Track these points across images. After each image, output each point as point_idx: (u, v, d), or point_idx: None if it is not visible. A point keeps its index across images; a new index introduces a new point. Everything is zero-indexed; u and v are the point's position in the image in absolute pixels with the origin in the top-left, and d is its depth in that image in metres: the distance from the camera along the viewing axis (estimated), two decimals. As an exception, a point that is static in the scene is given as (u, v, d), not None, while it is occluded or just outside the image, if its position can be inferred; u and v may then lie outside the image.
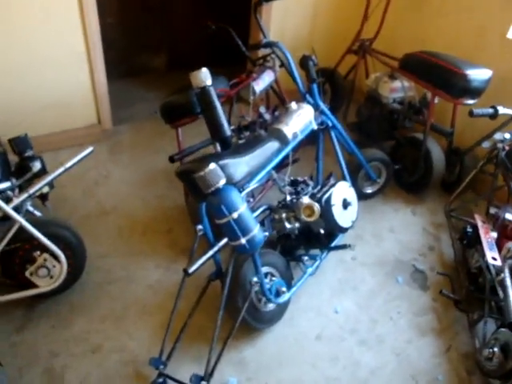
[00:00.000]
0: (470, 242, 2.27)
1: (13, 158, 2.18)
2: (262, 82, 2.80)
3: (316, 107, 2.34)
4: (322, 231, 2.05)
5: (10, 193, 2.00)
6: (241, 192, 1.80)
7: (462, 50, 2.87)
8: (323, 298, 2.24)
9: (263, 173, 1.96)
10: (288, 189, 2.19)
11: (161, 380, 1.78)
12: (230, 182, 1.74)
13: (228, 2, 4.15)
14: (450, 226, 2.59)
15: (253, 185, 1.90)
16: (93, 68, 2.90)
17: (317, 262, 2.21)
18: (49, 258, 1.95)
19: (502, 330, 1.83)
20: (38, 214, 2.16)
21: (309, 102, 2.35)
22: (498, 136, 2.40)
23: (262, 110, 2.70)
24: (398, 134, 3.03)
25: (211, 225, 1.89)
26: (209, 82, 2.11)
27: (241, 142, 2.60)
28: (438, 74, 2.48)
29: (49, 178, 1.99)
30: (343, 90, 3.43)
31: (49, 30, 2.70)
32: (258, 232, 1.67)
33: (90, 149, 2.13)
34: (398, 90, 2.91)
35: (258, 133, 2.57)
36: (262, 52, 3.00)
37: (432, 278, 2.37)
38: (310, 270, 2.14)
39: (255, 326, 1.98)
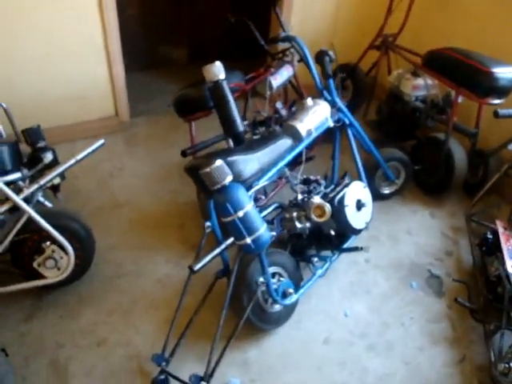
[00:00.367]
0: (489, 248, 2.17)
1: (26, 149, 2.20)
2: (279, 77, 2.74)
3: (333, 104, 2.27)
4: (333, 232, 1.99)
5: (21, 183, 2.02)
6: (249, 190, 1.76)
7: (490, 47, 2.74)
8: (333, 301, 2.19)
9: (274, 170, 1.91)
10: (300, 187, 2.14)
11: (162, 377, 1.77)
12: (239, 179, 1.71)
13: (250, -5, 4.10)
14: (469, 230, 2.49)
15: (263, 182, 1.86)
16: (111, 60, 2.90)
17: (327, 264, 2.15)
18: (57, 249, 1.96)
19: (520, 343, 1.74)
20: (48, 205, 2.17)
21: (326, 99, 2.29)
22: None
23: (279, 105, 2.65)
24: (419, 133, 2.93)
25: (219, 222, 1.86)
26: (222, 76, 2.07)
27: (255, 137, 2.56)
28: (463, 72, 2.37)
29: (59, 170, 1.99)
30: (365, 86, 3.34)
31: (67, 21, 2.71)
32: (264, 232, 1.63)
33: (102, 141, 2.11)
34: (420, 87, 2.80)
35: (273, 129, 2.52)
36: (281, 46, 2.95)
37: (448, 284, 2.28)
38: (319, 272, 2.08)
39: (261, 326, 1.94)
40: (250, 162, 1.77)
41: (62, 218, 2.01)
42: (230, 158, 1.70)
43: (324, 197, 2.12)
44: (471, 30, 2.93)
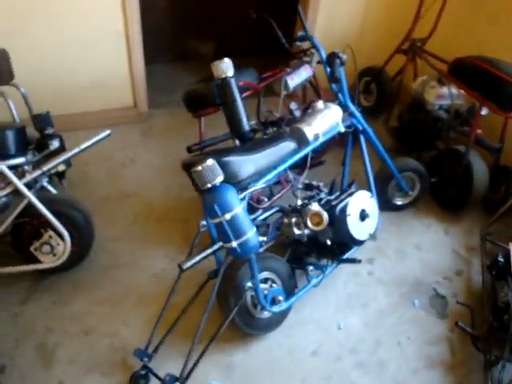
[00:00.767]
0: (499, 272, 2.04)
1: (35, 134, 2.24)
2: (297, 77, 2.67)
3: (345, 108, 2.19)
4: (329, 242, 1.92)
5: (26, 168, 2.06)
6: (243, 191, 1.72)
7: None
8: (328, 312, 2.12)
9: (273, 173, 1.86)
10: (301, 192, 2.08)
11: (143, 372, 1.76)
12: (233, 180, 1.67)
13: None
14: (483, 250, 2.35)
15: (260, 185, 1.81)
16: (131, 51, 2.92)
17: (326, 273, 2.07)
18: (54, 235, 1.99)
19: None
20: (53, 191, 2.21)
21: (341, 103, 2.21)
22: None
23: (293, 106, 2.58)
24: (440, 144, 2.79)
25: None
26: (230, 73, 2.03)
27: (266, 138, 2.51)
28: (488, 83, 2.23)
29: (63, 158, 2.01)
30: (389, 91, 3.21)
31: (89, 10, 2.74)
32: (252, 237, 1.59)
33: (108, 132, 2.12)
34: (445, 96, 2.67)
35: (283, 130, 2.46)
36: (304, 46, 2.88)
37: (453, 306, 2.16)
38: (314, 281, 2.02)
39: (247, 331, 1.90)
40: (246, 164, 1.72)
41: (62, 205, 2.04)
42: (224, 158, 1.65)
43: (326, 204, 2.06)
44: (507, 38, 2.77)
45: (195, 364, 1.67)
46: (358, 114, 2.21)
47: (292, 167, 2.31)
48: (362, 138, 2.27)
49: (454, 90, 2.63)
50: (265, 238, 1.74)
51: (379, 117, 3.30)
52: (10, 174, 1.90)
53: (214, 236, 1.92)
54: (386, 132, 3.06)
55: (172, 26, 4.17)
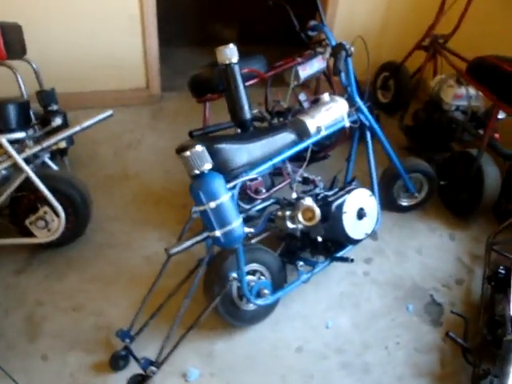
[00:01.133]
0: (498, 284, 1.95)
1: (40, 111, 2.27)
2: (309, 68, 2.61)
3: (352, 103, 2.12)
4: (320, 239, 1.87)
5: (29, 143, 2.08)
6: (232, 181, 1.68)
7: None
8: (317, 309, 2.07)
9: (268, 164, 1.82)
10: (298, 186, 2.03)
11: (123, 353, 1.77)
12: (223, 168, 1.64)
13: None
14: (487, 260, 2.25)
15: (252, 175, 1.77)
16: (145, 33, 2.91)
17: (315, 270, 2.02)
18: (49, 211, 2.01)
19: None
20: (54, 167, 2.23)
21: (349, 96, 2.14)
22: None
23: (302, 97, 2.53)
24: (454, 146, 2.69)
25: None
26: (234, 59, 2.00)
27: (272, 128, 2.46)
28: (504, 83, 2.11)
29: (63, 135, 2.02)
30: (408, 88, 3.11)
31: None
32: (237, 227, 1.56)
33: (110, 112, 2.12)
34: (462, 97, 2.56)
35: (288, 121, 2.41)
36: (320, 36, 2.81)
37: (448, 315, 2.08)
38: (303, 277, 1.98)
39: (231, 322, 1.88)
40: (239, 152, 1.69)
41: (59, 182, 2.06)
42: (217, 145, 1.63)
43: (323, 200, 2.01)
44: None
45: (172, 349, 1.66)
46: (365, 110, 2.14)
47: (294, 159, 2.26)
48: (369, 135, 2.20)
49: (472, 91, 2.52)
50: (252, 230, 1.72)
51: (395, 114, 3.20)
52: (10, 148, 1.92)
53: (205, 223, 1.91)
54: (400, 130, 2.97)
55: (194, 10, 4.15)
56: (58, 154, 2.31)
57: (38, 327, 1.90)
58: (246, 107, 2.05)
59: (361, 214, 2.01)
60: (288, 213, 1.91)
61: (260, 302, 1.83)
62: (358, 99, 2.12)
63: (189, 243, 1.73)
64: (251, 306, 1.90)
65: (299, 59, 2.51)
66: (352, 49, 1.94)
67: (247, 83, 2.28)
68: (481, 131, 2.50)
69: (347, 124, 2.07)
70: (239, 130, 2.16)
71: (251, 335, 1.95)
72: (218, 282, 1.79)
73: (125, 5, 2.79)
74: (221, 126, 2.28)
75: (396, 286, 2.21)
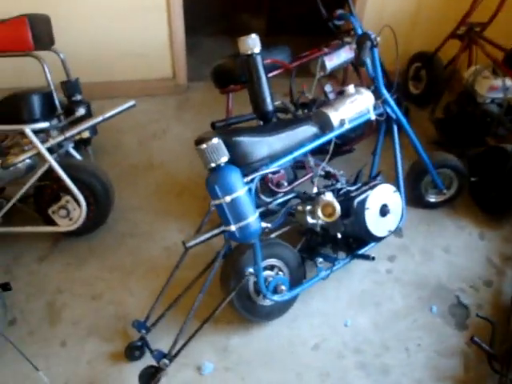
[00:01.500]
0: (530, 288, 1.85)
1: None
2: (336, 58, 2.51)
3: (379, 95, 2.04)
4: (340, 235, 1.81)
5: (53, 133, 2.11)
6: (251, 174, 1.64)
7: None
8: (337, 307, 2.03)
9: (288, 158, 1.77)
10: (319, 180, 1.97)
11: (139, 343, 1.79)
12: (242, 161, 1.61)
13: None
14: (519, 262, 2.15)
15: (271, 169, 1.73)
16: (171, 23, 2.90)
17: (334, 267, 1.97)
18: (71, 200, 2.04)
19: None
20: (77, 157, 2.26)
21: (375, 88, 2.06)
22: None
23: (328, 88, 2.44)
24: (488, 140, 2.55)
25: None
26: (257, 49, 1.95)
27: (296, 119, 2.40)
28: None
29: (86, 125, 2.04)
30: (440, 79, 2.97)
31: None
32: (253, 222, 1.54)
33: (132, 102, 2.12)
34: (498, 89, 2.42)
35: (311, 113, 2.34)
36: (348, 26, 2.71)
37: (475, 318, 1.98)
38: (322, 274, 1.93)
39: (247, 317, 1.86)
40: (258, 145, 1.65)
41: (81, 172, 2.08)
42: (235, 138, 1.60)
43: (345, 195, 1.95)
44: None
45: (185, 343, 1.66)
46: (391, 102, 2.06)
47: (318, 152, 2.21)
48: (395, 128, 2.12)
49: (509, 83, 2.38)
50: (269, 225, 1.68)
51: (427, 106, 3.08)
52: (34, 138, 1.95)
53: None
54: (430, 123, 2.85)
55: (223, -1, 4.11)
56: (81, 144, 2.33)
57: (57, 314, 1.94)
58: (268, 99, 2.00)
59: (384, 211, 1.94)
60: (308, 207, 1.87)
61: (277, 297, 1.80)
62: (384, 91, 2.03)
63: (206, 236, 1.71)
64: (268, 302, 1.87)
65: (326, 49, 2.43)
66: (378, 39, 1.85)
67: (270, 74, 2.24)
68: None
69: (373, 117, 1.99)
70: (262, 122, 2.12)
71: (268, 331, 1.93)
72: (234, 277, 1.77)
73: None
74: (244, 117, 2.24)
75: (420, 285, 2.13)
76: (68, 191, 2.02)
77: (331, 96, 2.48)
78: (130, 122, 2.92)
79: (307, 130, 1.81)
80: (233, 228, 1.52)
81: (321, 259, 1.93)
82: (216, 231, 1.72)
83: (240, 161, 1.60)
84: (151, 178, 2.60)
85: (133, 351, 1.78)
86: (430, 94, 3.04)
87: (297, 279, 1.92)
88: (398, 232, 2.32)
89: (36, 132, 1.99)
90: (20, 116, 1.95)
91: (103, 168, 2.26)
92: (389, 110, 2.07)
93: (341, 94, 2.51)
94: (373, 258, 1.93)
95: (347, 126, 1.92)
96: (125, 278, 2.09)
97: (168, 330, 1.87)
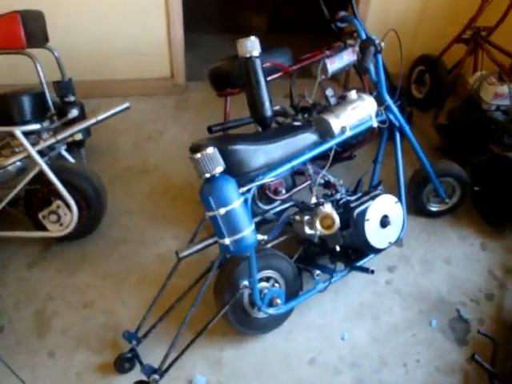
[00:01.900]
0: (533, 305, 1.80)
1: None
2: (338, 61, 2.44)
3: (381, 102, 1.98)
4: (339, 248, 1.76)
5: (45, 135, 2.04)
6: (246, 184, 1.58)
7: None
8: (334, 319, 1.97)
9: (287, 167, 1.71)
10: (318, 189, 1.91)
11: (129, 355, 1.73)
12: (239, 171, 1.55)
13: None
14: (522, 275, 2.09)
15: (268, 179, 1.67)
16: (170, 22, 2.83)
17: (332, 280, 1.90)
18: (62, 205, 1.98)
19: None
20: (70, 160, 2.20)
21: (378, 94, 2.00)
22: None
23: (329, 92, 2.36)
24: (492, 149, 2.49)
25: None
26: (256, 52, 1.88)
27: (296, 124, 2.34)
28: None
29: (77, 128, 1.98)
30: (444, 84, 2.90)
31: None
32: (248, 235, 1.47)
33: (127, 104, 2.05)
34: (504, 96, 2.35)
35: (314, 117, 2.28)
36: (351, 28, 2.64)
37: (476, 333, 1.94)
38: (320, 286, 1.87)
39: (242, 330, 1.80)
40: (255, 154, 1.59)
41: (73, 175, 2.02)
42: (231, 146, 1.54)
43: (345, 205, 1.89)
44: None
45: (176, 358, 1.60)
46: (394, 109, 2.00)
47: (318, 158, 2.15)
48: (398, 136, 2.06)
49: (516, 90, 2.32)
50: (265, 237, 1.62)
51: (430, 111, 3.01)
52: (24, 140, 1.89)
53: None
54: (433, 128, 2.79)
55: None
56: (74, 146, 2.27)
57: (47, 323, 1.89)
58: (267, 104, 1.93)
59: (385, 222, 1.88)
60: (306, 218, 1.81)
61: (272, 311, 1.74)
62: (387, 97, 1.97)
63: (199, 247, 1.66)
64: (263, 314, 1.81)
65: (327, 52, 2.36)
66: (382, 44, 1.79)
67: (270, 77, 2.17)
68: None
69: (375, 124, 1.93)
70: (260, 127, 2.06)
71: (263, 343, 1.87)
72: (228, 289, 1.71)
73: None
74: (241, 121, 2.17)
75: (420, 298, 2.07)
76: (59, 196, 1.96)
77: (332, 100, 2.41)
78: (126, 122, 2.86)
79: (307, 137, 1.75)
80: (227, 241, 1.45)
81: (318, 271, 1.87)
82: (210, 241, 1.67)
83: (236, 170, 1.54)
84: (146, 181, 2.54)
85: (123, 363, 1.73)
86: (433, 98, 2.98)
87: (293, 291, 1.86)
88: (398, 242, 2.26)
89: (27, 134, 1.93)
90: (10, 117, 1.89)
91: (97, 171, 2.20)
92: (391, 116, 2.01)
93: (343, 98, 2.46)
94: (372, 272, 1.87)
95: (348, 134, 1.87)
96: (117, 286, 2.04)
97: (160, 341, 1.82)
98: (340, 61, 2.45)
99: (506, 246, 2.33)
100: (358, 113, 1.90)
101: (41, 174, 1.94)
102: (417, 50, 3.09)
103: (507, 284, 2.15)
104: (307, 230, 1.79)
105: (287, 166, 1.71)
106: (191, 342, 1.63)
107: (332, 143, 1.85)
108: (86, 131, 2.26)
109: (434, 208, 2.39)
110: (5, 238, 2.12)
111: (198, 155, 1.42)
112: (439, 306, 2.05)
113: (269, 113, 1.97)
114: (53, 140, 1.95)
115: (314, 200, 1.83)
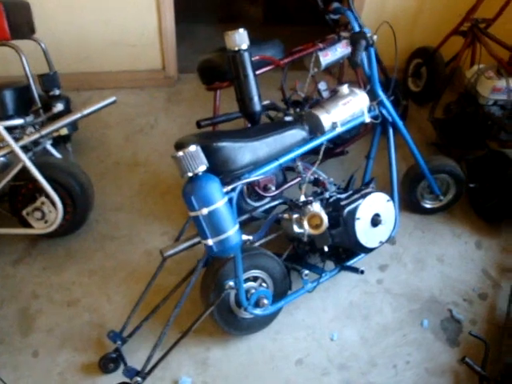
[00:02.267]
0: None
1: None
2: (331, 54, 2.38)
3: (374, 96, 1.93)
4: (326, 249, 1.71)
5: (29, 130, 2.00)
6: (232, 183, 1.54)
7: None
8: (323, 319, 1.93)
9: (274, 165, 1.67)
10: (307, 186, 1.87)
11: (114, 356, 1.70)
12: (223, 169, 1.51)
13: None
14: (516, 275, 2.05)
15: (255, 177, 1.62)
16: (161, 13, 2.76)
17: (321, 280, 1.86)
18: (46, 202, 1.94)
19: None
20: (56, 155, 2.15)
21: (372, 89, 1.95)
22: None
23: (322, 86, 2.32)
24: (489, 144, 2.43)
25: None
26: (244, 46, 1.83)
27: (287, 118, 2.28)
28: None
29: (62, 123, 1.92)
30: (441, 77, 2.83)
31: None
32: (232, 235, 1.43)
33: (113, 98, 2.00)
34: (502, 90, 2.30)
35: (306, 111, 2.22)
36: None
37: (468, 334, 1.91)
38: (308, 287, 1.83)
39: (227, 330, 1.76)
40: (241, 151, 1.54)
41: (58, 171, 1.97)
42: (216, 144, 1.49)
43: (334, 203, 1.84)
44: None
45: (160, 359, 1.57)
46: (388, 104, 1.94)
47: (309, 153, 2.09)
48: (391, 131, 2.01)
49: (514, 84, 2.26)
50: (250, 237, 1.58)
51: (426, 104, 2.95)
52: (6, 135, 1.84)
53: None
54: (429, 123, 2.73)
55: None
56: (61, 141, 2.22)
57: (31, 321, 1.85)
58: (256, 98, 1.89)
59: (376, 221, 1.84)
60: (295, 216, 1.77)
61: (258, 311, 1.71)
62: (380, 92, 1.92)
63: (184, 246, 1.63)
64: (249, 315, 1.78)
65: (320, 44, 2.29)
66: (375, 37, 1.74)
67: (260, 71, 2.11)
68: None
69: (367, 120, 1.89)
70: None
71: (250, 343, 1.84)
72: (214, 289, 1.67)
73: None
74: (231, 115, 2.11)
75: (412, 297, 2.04)
76: (44, 192, 1.92)
77: (325, 94, 2.37)
78: (116, 115, 2.81)
79: (296, 134, 1.70)
80: (210, 242, 1.41)
81: (306, 271, 1.83)
82: (195, 240, 1.63)
83: (221, 168, 1.50)
84: (135, 176, 2.49)
85: (107, 363, 1.69)
86: (429, 92, 2.91)
87: (281, 291, 1.82)
88: (390, 240, 2.22)
89: (10, 129, 1.88)
90: (-8, 112, 1.84)
91: (86, 165, 2.18)
92: (384, 112, 1.96)
93: (335, 92, 2.40)
94: (361, 272, 1.83)
95: (339, 130, 1.82)
96: (103, 284, 2.00)
97: (145, 341, 1.79)
98: (333, 53, 2.39)
99: (501, 245, 2.28)
100: (349, 108, 1.85)
101: (25, 170, 1.89)
102: (414, 43, 3.02)
103: (501, 283, 2.11)
104: (296, 229, 1.75)
105: (274, 164, 1.66)
106: (175, 343, 1.59)
107: (322, 139, 1.80)
108: (73, 125, 2.21)
109: (428, 205, 2.34)
110: (-11, 235, 2.09)
111: (180, 153, 1.38)
112: (431, 305, 2.01)
113: (257, 108, 1.92)
114: (37, 135, 1.90)
115: (302, 198, 1.79)
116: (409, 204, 2.36)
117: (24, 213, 1.94)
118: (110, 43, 2.84)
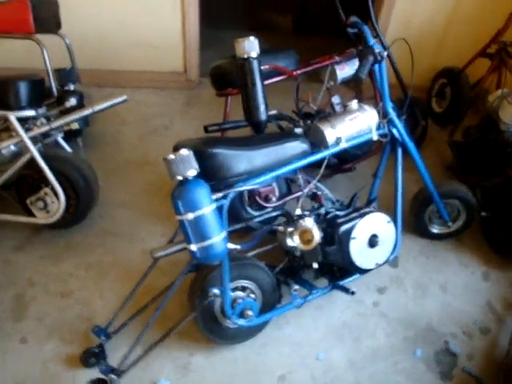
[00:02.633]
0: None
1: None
2: (348, 68, 2.35)
3: (384, 114, 1.88)
4: (316, 266, 1.67)
5: (41, 122, 2.05)
6: (225, 190, 1.53)
7: None
8: (312, 337, 1.89)
9: (270, 175, 1.64)
10: (303, 201, 1.83)
11: (96, 350, 1.71)
12: (217, 175, 1.51)
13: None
14: (521, 312, 1.95)
15: (248, 186, 1.61)
16: (185, 17, 2.79)
17: (309, 297, 1.81)
18: (50, 193, 1.98)
19: None
20: (67, 148, 2.20)
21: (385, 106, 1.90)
22: None
23: (336, 100, 2.28)
24: (509, 172, 2.33)
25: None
26: (254, 54, 1.82)
27: (297, 130, 2.26)
28: None
29: (73, 117, 1.97)
30: (465, 99, 2.74)
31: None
32: (218, 243, 1.42)
33: (124, 97, 2.03)
34: (525, 117, 2.20)
35: (314, 125, 2.19)
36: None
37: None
38: (296, 302, 1.79)
39: (212, 338, 1.75)
40: (236, 159, 1.53)
41: (64, 164, 2.01)
42: (211, 149, 1.49)
43: (331, 220, 1.80)
44: None
45: (138, 359, 1.57)
46: (398, 123, 1.89)
47: (314, 166, 2.06)
48: (400, 151, 1.95)
49: (536, 113, 2.16)
50: (238, 247, 1.56)
51: (448, 126, 2.86)
52: (17, 125, 1.90)
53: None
54: (447, 147, 2.64)
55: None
56: (72, 135, 2.27)
57: (24, 308, 1.89)
58: (262, 107, 1.87)
59: (373, 242, 1.79)
60: (289, 229, 1.74)
61: (242, 322, 1.68)
62: (390, 110, 1.87)
63: (175, 248, 1.61)
64: (233, 325, 1.76)
65: (337, 58, 2.26)
66: (385, 54, 1.69)
67: (271, 81, 2.11)
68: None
69: (375, 137, 1.84)
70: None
71: (234, 354, 1.81)
72: (199, 295, 1.66)
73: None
74: (239, 123, 2.11)
75: (408, 324, 1.96)
76: (48, 183, 1.97)
77: (338, 108, 2.33)
78: (134, 113, 2.85)
79: (296, 146, 1.68)
80: (193, 247, 1.41)
81: (296, 286, 1.79)
82: (185, 244, 1.63)
83: (213, 174, 1.49)
84: (144, 175, 2.52)
85: (88, 357, 1.70)
86: (452, 113, 2.82)
87: (270, 304, 1.79)
88: (392, 262, 2.15)
89: (22, 119, 1.94)
90: (6, 102, 1.89)
91: (95, 160, 2.22)
92: (394, 131, 1.91)
93: (345, 107, 2.36)
94: (352, 293, 1.78)
95: (343, 145, 1.78)
96: (99, 279, 2.03)
97: (129, 339, 1.78)
98: (351, 68, 2.35)
99: (511, 278, 2.18)
100: (356, 124, 1.81)
101: (33, 161, 1.94)
102: (441, 63, 2.94)
103: (506, 319, 2.01)
104: (289, 242, 1.73)
105: (270, 175, 1.64)
106: (154, 344, 1.58)
107: (325, 154, 1.77)
108: (84, 121, 2.26)
109: (435, 230, 2.26)
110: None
111: (171, 156, 1.39)
112: (427, 334, 1.93)
113: (263, 117, 1.90)
114: (47, 127, 1.95)
115: (298, 212, 1.76)
116: (415, 227, 2.28)
117: (28, 202, 2.00)
118: (133, 43, 2.90)
